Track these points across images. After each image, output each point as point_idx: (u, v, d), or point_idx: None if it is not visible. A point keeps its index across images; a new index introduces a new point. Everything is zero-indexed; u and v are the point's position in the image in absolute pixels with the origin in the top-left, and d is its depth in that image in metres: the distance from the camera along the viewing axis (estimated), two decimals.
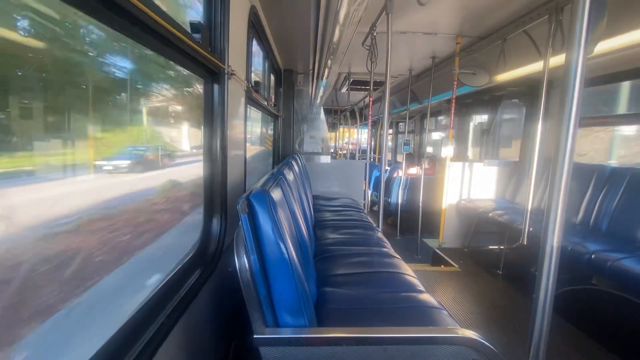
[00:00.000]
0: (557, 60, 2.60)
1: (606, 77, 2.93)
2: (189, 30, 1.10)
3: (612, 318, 2.13)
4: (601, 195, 2.79)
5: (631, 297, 1.96)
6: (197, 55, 1.06)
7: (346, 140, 9.57)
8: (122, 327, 0.82)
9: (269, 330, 0.97)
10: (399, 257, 2.20)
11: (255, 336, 0.95)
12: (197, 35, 1.13)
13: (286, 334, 0.97)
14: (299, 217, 1.70)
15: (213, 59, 1.17)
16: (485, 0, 2.56)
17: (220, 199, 1.41)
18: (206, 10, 1.25)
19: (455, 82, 3.64)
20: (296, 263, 1.02)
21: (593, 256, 2.15)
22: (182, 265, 1.19)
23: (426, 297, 1.63)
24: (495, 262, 3.46)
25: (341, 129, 9.82)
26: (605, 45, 2.24)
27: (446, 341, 0.99)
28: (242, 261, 0.96)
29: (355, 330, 1.00)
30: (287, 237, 1.01)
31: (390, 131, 8.56)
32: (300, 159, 3.63)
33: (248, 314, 1.02)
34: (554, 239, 0.92)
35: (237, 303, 1.60)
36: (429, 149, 6.63)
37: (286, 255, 0.97)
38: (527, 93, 3.89)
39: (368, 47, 3.01)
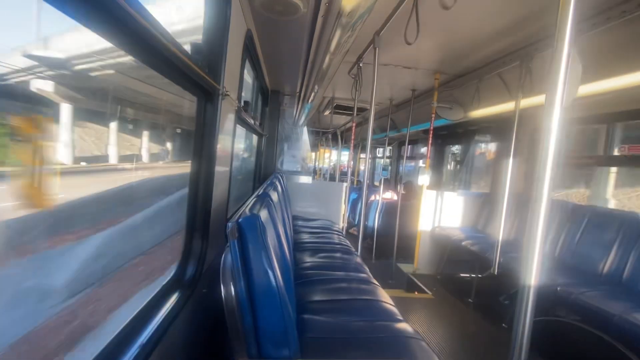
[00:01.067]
0: (526, 102, 2.83)
1: (584, 119, 3.15)
2: (189, 50, 1.11)
3: (574, 348, 2.23)
4: (565, 230, 2.98)
5: (593, 330, 2.07)
6: (195, 75, 1.06)
7: (331, 161, 9.67)
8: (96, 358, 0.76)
9: None
10: (377, 283, 2.20)
11: None
12: (196, 56, 1.14)
13: None
14: (283, 241, 1.68)
15: (210, 80, 1.17)
16: (463, 43, 2.76)
17: (203, 219, 1.37)
18: (206, 32, 1.27)
19: (433, 115, 3.84)
20: (284, 292, 1.00)
21: (558, 288, 2.27)
22: (161, 288, 1.12)
23: (404, 326, 1.63)
24: (466, 290, 3.55)
25: (322, 150, 9.95)
26: (585, 89, 2.40)
27: None
28: (229, 288, 0.93)
29: None
30: (276, 265, 1.00)
31: (364, 155, 8.79)
32: (282, 179, 3.62)
33: (225, 341, 0.97)
34: (532, 276, 0.96)
35: (212, 329, 1.52)
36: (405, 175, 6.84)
37: (274, 284, 0.95)
38: (498, 130, 4.16)
39: (354, 76, 3.13)
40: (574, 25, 0.86)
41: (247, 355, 0.94)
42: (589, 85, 2.35)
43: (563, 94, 0.88)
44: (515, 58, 2.77)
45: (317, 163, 10.14)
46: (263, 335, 0.96)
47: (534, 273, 0.96)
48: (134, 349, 0.84)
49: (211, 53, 1.27)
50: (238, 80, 1.74)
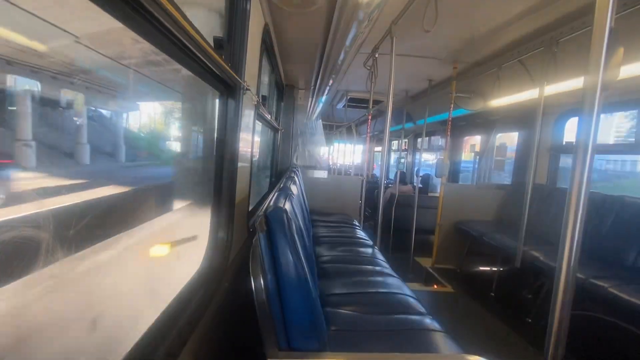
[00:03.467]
0: (550, 89, 2.72)
1: (624, 103, 2.93)
2: (212, 44, 1.11)
3: (605, 344, 2.16)
4: (594, 221, 2.87)
5: (624, 324, 2.00)
6: (220, 70, 1.06)
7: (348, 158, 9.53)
8: (128, 355, 0.78)
9: (282, 354, 0.94)
10: (397, 276, 2.19)
11: None
12: (219, 51, 1.14)
13: (299, 358, 0.94)
14: (304, 234, 1.68)
15: (234, 75, 1.18)
16: (483, 29, 2.67)
17: (228, 213, 1.39)
18: (227, 27, 1.27)
19: (451, 105, 3.74)
20: (312, 284, 1.00)
21: (587, 282, 2.19)
22: (189, 282, 1.15)
23: (428, 319, 1.62)
24: (488, 284, 3.48)
25: (336, 145, 9.90)
26: (627, 71, 2.20)
27: None
28: (258, 281, 0.94)
29: (373, 356, 0.98)
30: (302, 256, 1.00)
31: (380, 148, 8.69)
32: (299, 173, 3.63)
33: (253, 333, 0.99)
34: (568, 270, 0.93)
35: (240, 321, 1.55)
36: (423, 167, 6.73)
37: (302, 276, 0.95)
38: (520, 119, 4.03)
39: (369, 68, 3.08)
40: (615, 1, 0.81)
41: (277, 348, 0.95)
42: (626, 67, 2.20)
43: (603, 76, 0.83)
44: (538, 43, 2.65)
45: (332, 158, 10.08)
46: (291, 327, 0.96)
47: (572, 266, 0.92)
48: (166, 344, 0.86)
49: (233, 48, 1.27)
50: (257, 75, 1.74)
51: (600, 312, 2.23)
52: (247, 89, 1.39)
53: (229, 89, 1.27)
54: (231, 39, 1.27)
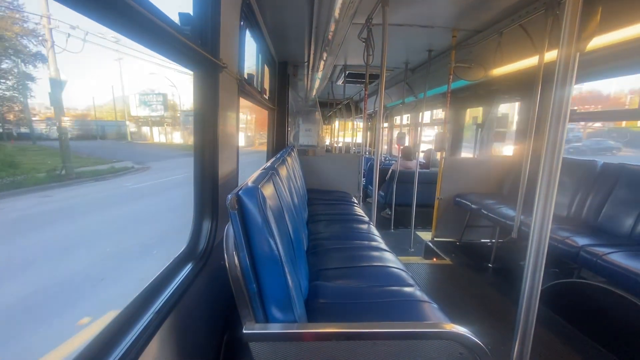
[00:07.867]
0: (553, 55, 2.60)
1: (598, 72, 2.90)
2: (177, 21, 1.07)
3: (600, 311, 2.18)
4: (592, 190, 2.82)
5: (618, 290, 2.01)
6: (187, 49, 1.04)
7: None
8: (111, 324, 0.82)
9: (258, 326, 0.98)
10: (390, 250, 2.22)
11: (244, 331, 0.96)
12: (187, 28, 1.11)
13: (275, 329, 0.98)
14: (292, 212, 1.69)
15: (204, 53, 1.15)
16: None
17: (212, 193, 1.40)
18: (196, 2, 1.22)
19: (450, 76, 3.63)
20: (286, 260, 1.02)
21: (582, 250, 2.19)
22: (174, 260, 1.18)
23: (416, 290, 1.65)
24: (486, 255, 3.51)
25: (337, 123, 9.75)
26: (599, 41, 2.22)
27: (435, 336, 1.00)
28: (232, 257, 0.96)
29: (345, 325, 1.01)
30: (277, 234, 1.01)
31: (386, 124, 8.54)
32: (294, 153, 3.61)
33: (237, 309, 1.03)
34: (543, 233, 0.93)
35: (229, 297, 1.60)
36: (424, 143, 6.64)
37: (276, 252, 0.97)
38: (522, 88, 3.89)
39: (364, 40, 2.98)
40: None
41: (255, 320, 0.98)
42: (617, 32, 2.11)
43: (575, 45, 0.79)
44: (540, 6, 2.52)
45: (332, 136, 9.96)
46: (268, 301, 0.99)
47: (544, 231, 0.92)
48: (148, 315, 0.91)
49: (203, 24, 1.23)
50: (237, 52, 1.70)
51: (594, 279, 2.24)
52: (224, 67, 1.36)
53: (203, 68, 1.25)
54: (200, 15, 1.23)
